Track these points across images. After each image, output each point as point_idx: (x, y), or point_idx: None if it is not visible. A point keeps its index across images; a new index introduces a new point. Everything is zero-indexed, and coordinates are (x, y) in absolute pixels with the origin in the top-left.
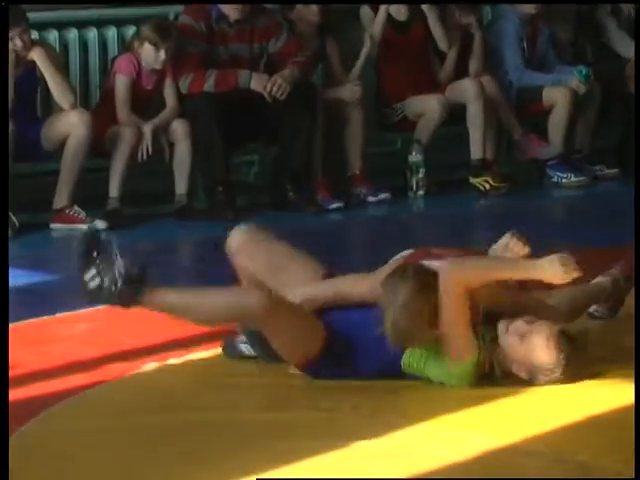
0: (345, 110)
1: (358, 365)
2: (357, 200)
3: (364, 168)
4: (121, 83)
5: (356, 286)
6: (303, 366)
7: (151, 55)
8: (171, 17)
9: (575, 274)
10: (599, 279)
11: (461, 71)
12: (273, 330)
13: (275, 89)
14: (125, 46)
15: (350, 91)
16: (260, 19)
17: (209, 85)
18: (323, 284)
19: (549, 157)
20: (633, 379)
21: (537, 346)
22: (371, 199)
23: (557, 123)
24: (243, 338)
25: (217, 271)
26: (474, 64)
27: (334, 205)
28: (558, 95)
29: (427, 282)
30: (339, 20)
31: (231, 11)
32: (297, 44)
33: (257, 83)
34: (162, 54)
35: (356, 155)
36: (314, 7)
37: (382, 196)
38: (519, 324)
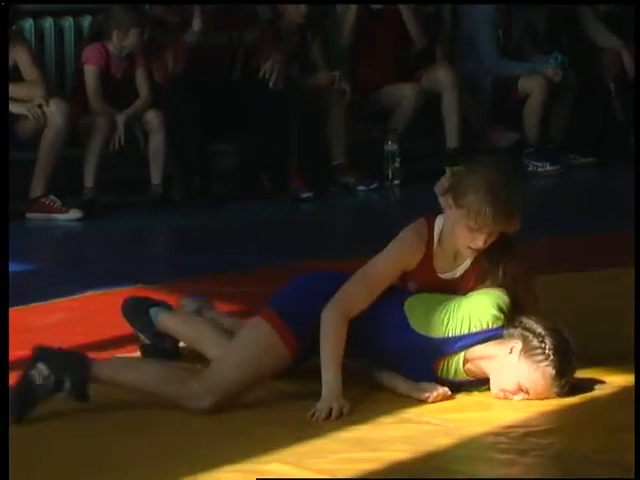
0: (327, 99)
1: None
2: (344, 189)
3: (348, 157)
4: (90, 73)
5: None
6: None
7: (120, 39)
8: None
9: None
10: None
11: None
12: None
13: (269, 73)
14: (93, 34)
15: (327, 77)
16: (236, 8)
17: (169, 67)
18: None
19: (510, 144)
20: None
21: (539, 385)
22: (362, 188)
23: (532, 112)
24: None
25: (192, 260)
26: (440, 50)
27: (305, 195)
28: (534, 84)
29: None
30: (319, 13)
31: None
32: (272, 33)
33: (198, 21)
34: (131, 38)
35: (340, 144)
36: (302, 8)
37: (373, 185)
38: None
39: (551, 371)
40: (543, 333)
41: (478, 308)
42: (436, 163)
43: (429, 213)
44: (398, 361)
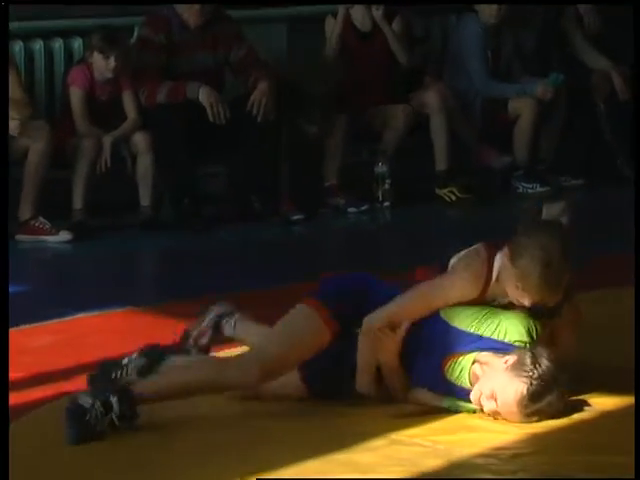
0: (329, 120)
1: None
2: (334, 211)
3: (341, 179)
4: (75, 96)
5: None
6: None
7: (101, 63)
8: (135, 29)
9: None
10: None
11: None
12: None
13: (257, 108)
14: (78, 59)
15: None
16: (222, 27)
17: (160, 97)
18: None
19: (502, 166)
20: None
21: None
22: (352, 210)
23: (522, 134)
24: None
25: (182, 282)
26: (429, 71)
27: (295, 217)
28: (523, 106)
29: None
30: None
31: (191, 17)
32: (255, 53)
33: (205, 96)
34: (111, 62)
35: (334, 166)
36: None
37: (363, 207)
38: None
39: (524, 390)
40: (540, 361)
41: (510, 321)
42: (426, 185)
43: (490, 246)
44: (412, 351)
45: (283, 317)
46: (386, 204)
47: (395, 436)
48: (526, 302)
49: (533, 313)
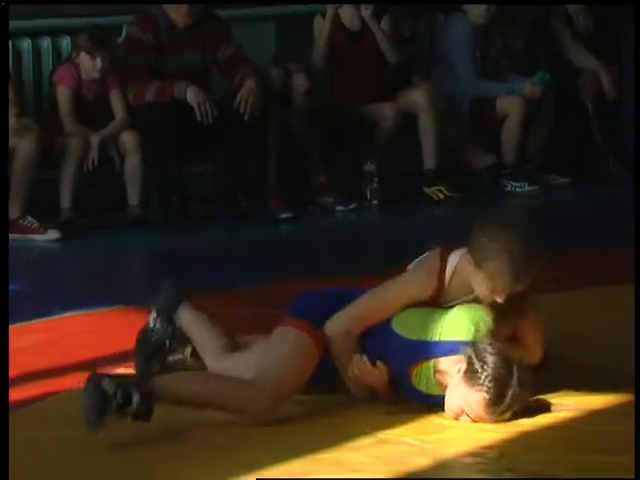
0: (307, 118)
1: None
2: (322, 209)
3: (329, 178)
4: (62, 95)
5: None
6: None
7: (88, 64)
8: (124, 28)
9: None
10: None
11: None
12: None
13: (243, 106)
14: (66, 57)
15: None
16: (210, 26)
17: (148, 96)
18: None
19: (484, 167)
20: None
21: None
22: (340, 208)
23: (510, 133)
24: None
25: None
26: (417, 71)
27: (283, 215)
28: (511, 105)
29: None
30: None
31: (179, 17)
32: (243, 52)
33: (192, 96)
34: (98, 62)
35: (322, 164)
36: None
37: (351, 205)
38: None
39: (485, 398)
40: (487, 359)
41: (455, 318)
42: (414, 184)
43: (445, 247)
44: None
45: (276, 343)
46: (374, 202)
47: (382, 435)
48: (499, 299)
49: (488, 306)
